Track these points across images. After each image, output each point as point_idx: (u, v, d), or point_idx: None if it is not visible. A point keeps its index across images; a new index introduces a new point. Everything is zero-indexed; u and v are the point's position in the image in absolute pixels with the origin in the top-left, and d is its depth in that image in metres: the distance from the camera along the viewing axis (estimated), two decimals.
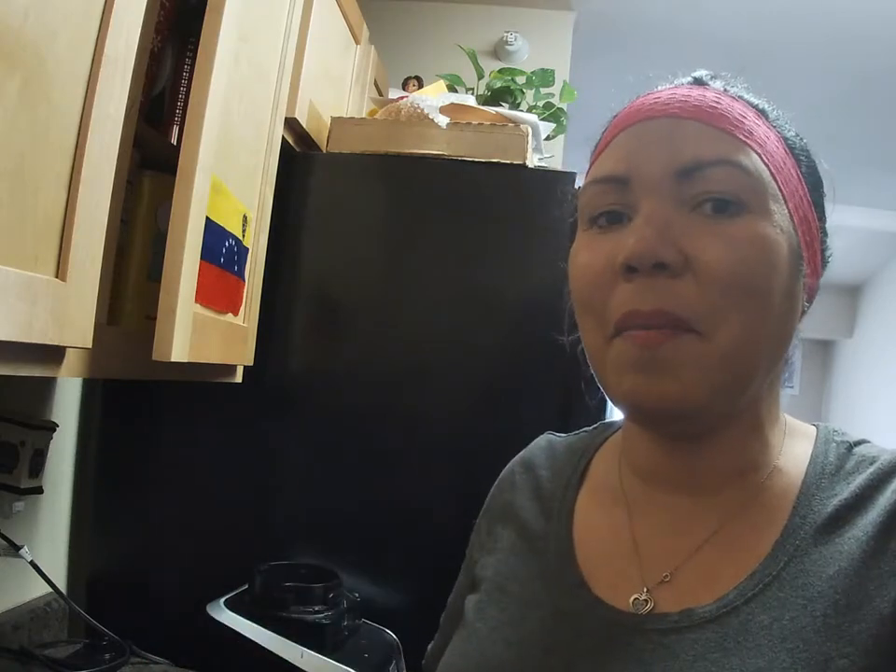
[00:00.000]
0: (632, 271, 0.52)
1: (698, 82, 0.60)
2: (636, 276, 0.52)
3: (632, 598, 0.56)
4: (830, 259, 0.62)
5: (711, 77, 0.60)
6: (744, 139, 0.55)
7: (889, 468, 0.54)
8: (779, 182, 0.55)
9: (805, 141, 0.60)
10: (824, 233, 0.61)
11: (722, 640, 0.50)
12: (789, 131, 0.60)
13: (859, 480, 0.55)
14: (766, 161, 0.55)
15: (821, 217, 0.60)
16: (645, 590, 0.56)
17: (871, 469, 0.55)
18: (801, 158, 0.59)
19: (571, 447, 0.71)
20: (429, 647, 0.76)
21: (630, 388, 0.53)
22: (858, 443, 0.59)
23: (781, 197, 0.55)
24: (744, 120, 0.56)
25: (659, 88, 0.60)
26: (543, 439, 0.75)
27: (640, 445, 0.62)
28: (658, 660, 0.51)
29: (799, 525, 0.54)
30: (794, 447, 0.59)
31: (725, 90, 0.59)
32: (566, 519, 0.64)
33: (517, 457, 0.74)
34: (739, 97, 0.58)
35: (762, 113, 0.58)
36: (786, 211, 0.55)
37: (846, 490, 0.54)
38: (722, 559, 0.55)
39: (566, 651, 0.56)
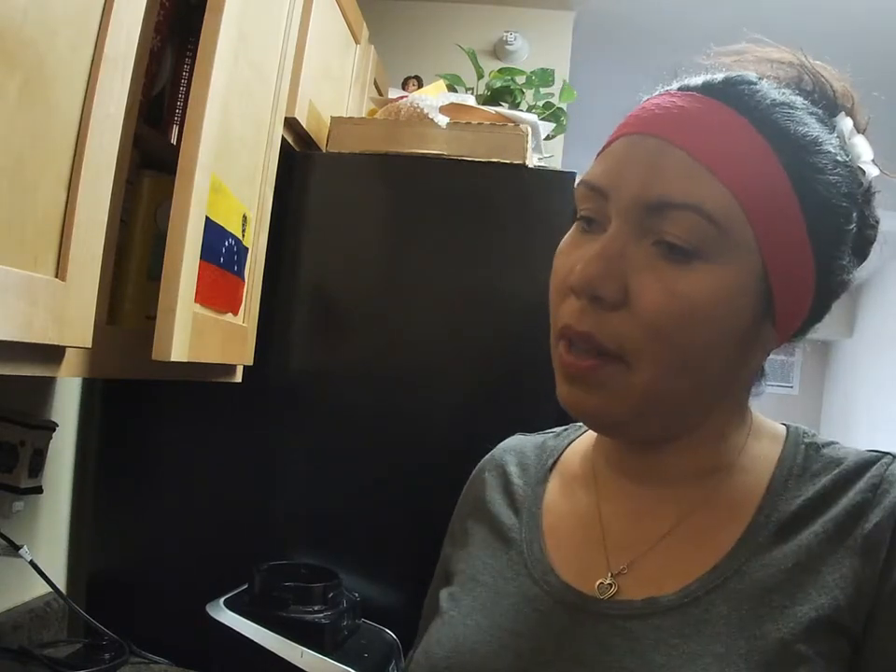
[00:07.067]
0: (576, 292, 0.55)
1: (703, 86, 0.56)
2: (579, 297, 0.55)
3: (597, 583, 0.58)
4: (840, 287, 0.59)
5: (718, 77, 0.56)
6: (725, 181, 0.52)
7: (854, 469, 0.56)
8: (756, 228, 0.52)
9: (834, 152, 0.55)
10: (833, 267, 0.56)
11: (682, 627, 0.53)
12: (815, 146, 0.54)
13: (824, 480, 0.56)
14: (745, 205, 0.52)
15: (829, 250, 0.55)
16: (610, 575, 0.58)
17: (836, 471, 0.57)
18: (808, 185, 0.54)
19: (539, 445, 0.74)
20: (410, 653, 0.74)
21: (562, 395, 0.59)
22: (826, 445, 0.60)
23: (754, 244, 0.53)
24: (735, 151, 0.52)
25: (671, 85, 0.58)
26: (512, 438, 0.78)
27: (607, 441, 0.65)
28: (620, 643, 0.54)
29: (763, 524, 0.56)
30: (761, 447, 0.61)
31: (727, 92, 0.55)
32: (535, 511, 0.67)
33: (487, 456, 0.77)
34: (744, 110, 0.54)
35: (764, 127, 0.53)
36: (755, 258, 0.53)
37: (811, 490, 0.56)
38: (686, 551, 0.57)
39: (533, 635, 0.58)
